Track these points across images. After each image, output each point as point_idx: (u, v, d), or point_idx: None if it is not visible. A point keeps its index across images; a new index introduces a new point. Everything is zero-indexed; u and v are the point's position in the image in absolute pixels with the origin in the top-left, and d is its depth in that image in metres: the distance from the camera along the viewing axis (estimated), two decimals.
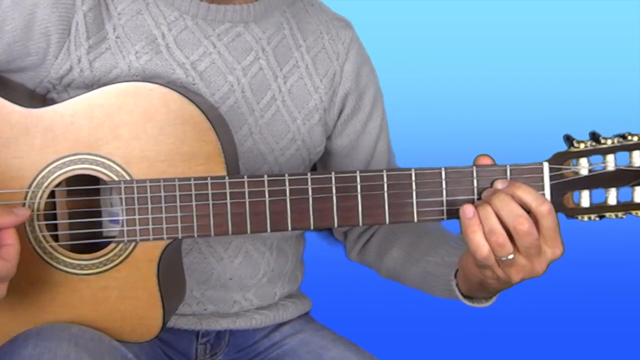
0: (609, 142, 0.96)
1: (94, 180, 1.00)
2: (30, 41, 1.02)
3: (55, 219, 1.04)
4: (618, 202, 0.97)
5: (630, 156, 0.96)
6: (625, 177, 0.96)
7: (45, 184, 0.99)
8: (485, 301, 1.09)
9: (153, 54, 1.07)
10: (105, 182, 1.00)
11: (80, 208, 1.04)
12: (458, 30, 1.38)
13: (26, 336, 0.95)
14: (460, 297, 1.09)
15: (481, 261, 0.95)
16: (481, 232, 0.94)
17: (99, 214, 1.05)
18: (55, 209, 1.04)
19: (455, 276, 1.09)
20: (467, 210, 0.95)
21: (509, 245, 0.94)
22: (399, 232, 1.23)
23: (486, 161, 0.99)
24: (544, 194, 0.98)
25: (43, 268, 1.00)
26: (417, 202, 0.99)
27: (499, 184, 0.97)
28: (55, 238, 1.02)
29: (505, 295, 1.26)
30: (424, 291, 1.18)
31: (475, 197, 0.99)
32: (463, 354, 1.38)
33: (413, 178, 0.98)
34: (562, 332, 1.41)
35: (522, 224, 0.93)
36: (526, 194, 0.94)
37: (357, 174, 0.99)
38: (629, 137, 0.96)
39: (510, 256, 0.94)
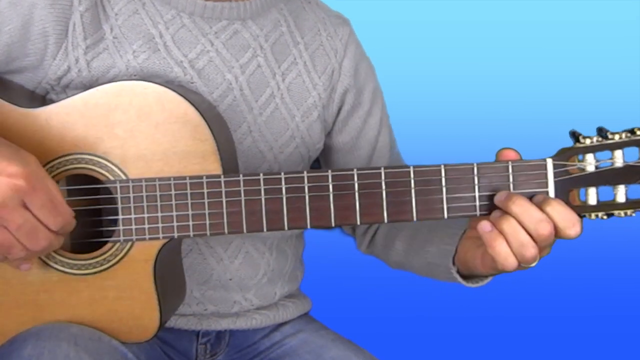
0: (617, 137, 0.91)
1: (93, 179, 0.97)
2: (28, 42, 0.99)
3: None
4: (627, 199, 0.91)
5: None
6: (634, 174, 0.91)
7: None
8: (484, 279, 1.06)
9: (151, 53, 1.03)
10: (101, 182, 0.97)
11: (77, 207, 1.02)
12: (459, 27, 1.35)
13: (25, 336, 0.92)
14: (462, 282, 1.05)
15: (509, 270, 0.91)
16: (506, 243, 0.90)
17: (97, 213, 1.03)
18: None
19: (454, 262, 1.05)
20: (484, 224, 0.91)
21: (538, 254, 0.90)
22: (399, 226, 1.19)
23: (511, 154, 0.94)
24: (547, 192, 0.93)
25: (41, 268, 0.96)
26: (416, 201, 0.94)
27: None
28: None
29: (507, 295, 1.23)
30: (431, 278, 1.15)
31: (477, 194, 0.94)
32: (463, 354, 1.35)
33: (412, 176, 0.94)
34: (565, 332, 1.38)
35: (545, 228, 0.89)
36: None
37: (354, 172, 0.94)
38: (638, 132, 0.90)
39: (534, 263, 0.91)
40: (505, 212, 0.91)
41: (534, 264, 0.91)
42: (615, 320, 1.37)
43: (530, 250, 0.89)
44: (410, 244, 1.16)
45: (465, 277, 1.06)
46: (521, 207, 0.90)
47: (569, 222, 0.89)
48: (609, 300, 1.39)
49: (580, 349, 1.37)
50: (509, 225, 0.90)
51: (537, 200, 0.91)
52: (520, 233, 0.90)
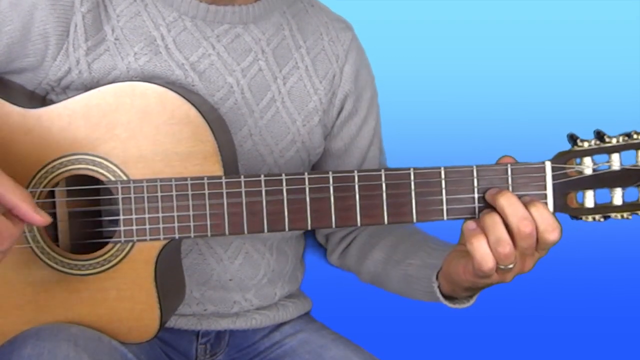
0: (614, 140, 0.91)
1: (94, 180, 0.97)
2: (29, 42, 0.98)
3: (54, 219, 1.01)
4: (624, 202, 0.92)
5: (637, 155, 0.91)
6: (631, 177, 0.91)
7: (43, 184, 0.95)
8: (467, 301, 1.04)
9: (152, 55, 1.02)
10: (102, 183, 0.96)
11: (79, 208, 1.02)
12: (458, 28, 1.34)
13: (25, 336, 0.91)
14: (442, 299, 1.04)
15: (485, 272, 0.90)
16: (485, 241, 0.90)
17: (97, 214, 1.03)
18: (54, 209, 1.01)
19: (437, 277, 1.03)
20: (470, 222, 0.92)
21: (513, 255, 0.89)
22: (380, 236, 1.18)
23: (509, 162, 0.94)
24: (546, 195, 0.93)
25: (41, 268, 0.96)
26: (416, 202, 0.94)
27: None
28: (54, 238, 0.98)
29: (507, 296, 1.23)
30: (405, 296, 1.13)
31: (476, 196, 0.94)
32: (463, 354, 1.35)
33: (412, 177, 0.94)
34: (564, 334, 1.38)
35: (526, 226, 0.88)
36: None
37: (355, 174, 0.94)
38: (635, 136, 0.90)
39: (511, 265, 0.90)
40: (493, 210, 0.91)
41: (510, 266, 0.90)
42: (612, 322, 1.37)
43: (505, 247, 0.89)
44: (391, 255, 1.15)
45: (445, 297, 1.04)
46: (508, 201, 0.90)
47: (549, 226, 0.89)
48: (603, 302, 1.39)
49: (580, 350, 1.37)
50: (491, 219, 0.90)
51: (524, 200, 0.91)
52: (499, 228, 0.89)
